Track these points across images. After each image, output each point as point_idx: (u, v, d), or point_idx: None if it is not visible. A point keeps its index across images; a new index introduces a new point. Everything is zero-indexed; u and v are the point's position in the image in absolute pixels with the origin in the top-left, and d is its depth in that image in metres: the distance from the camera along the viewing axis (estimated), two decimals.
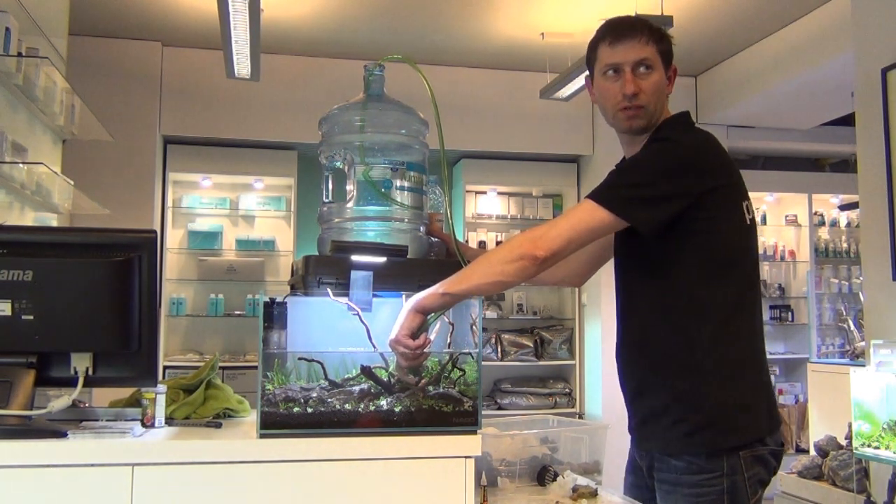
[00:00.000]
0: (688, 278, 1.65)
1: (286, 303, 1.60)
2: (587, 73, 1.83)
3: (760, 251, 6.36)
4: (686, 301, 1.66)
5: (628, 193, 1.62)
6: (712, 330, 1.64)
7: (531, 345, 5.74)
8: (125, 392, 1.76)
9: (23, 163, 3.04)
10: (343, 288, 1.64)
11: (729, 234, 1.66)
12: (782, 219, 6.52)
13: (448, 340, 1.72)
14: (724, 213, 1.66)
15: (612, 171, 1.71)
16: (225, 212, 5.61)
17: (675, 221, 1.62)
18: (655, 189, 1.61)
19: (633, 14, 3.76)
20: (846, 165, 6.58)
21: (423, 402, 1.57)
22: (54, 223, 3.57)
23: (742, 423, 1.63)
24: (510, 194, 6.00)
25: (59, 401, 1.51)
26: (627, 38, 1.69)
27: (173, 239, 5.49)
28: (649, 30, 1.71)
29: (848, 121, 5.19)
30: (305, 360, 1.61)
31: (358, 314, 1.62)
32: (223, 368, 5.06)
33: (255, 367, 1.61)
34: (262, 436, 1.51)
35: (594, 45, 1.76)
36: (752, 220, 1.72)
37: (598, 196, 1.63)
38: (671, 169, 1.63)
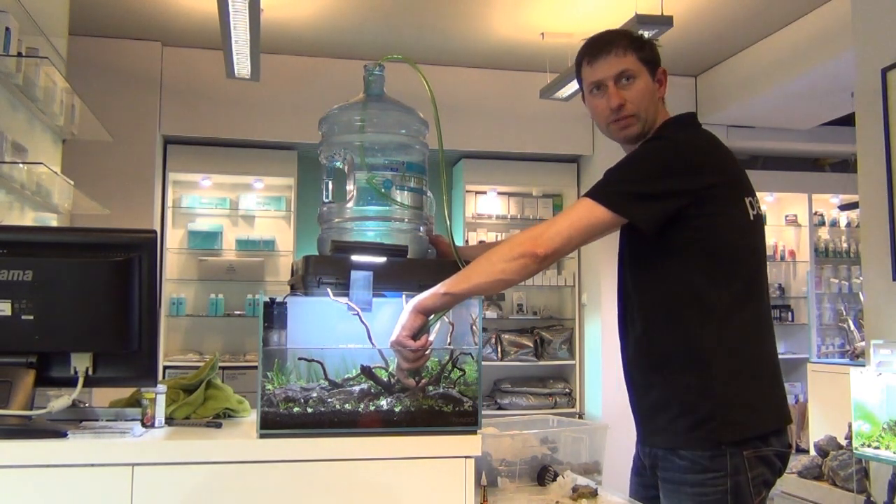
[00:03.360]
0: (690, 276, 1.65)
1: (286, 303, 1.59)
2: (578, 86, 1.88)
3: None
4: (689, 299, 1.65)
5: (625, 190, 1.63)
6: (715, 327, 1.63)
7: (531, 345, 5.74)
8: (125, 392, 1.76)
9: (23, 163, 3.04)
10: (343, 288, 1.63)
11: (730, 231, 1.67)
12: (782, 219, 6.52)
13: (448, 340, 1.71)
14: (725, 210, 1.66)
15: (609, 170, 1.71)
16: (225, 212, 5.61)
17: (676, 219, 1.63)
18: (652, 186, 1.62)
19: (633, 13, 3.81)
20: (846, 165, 6.57)
21: (423, 402, 1.57)
22: (54, 223, 3.57)
23: (745, 419, 1.63)
24: (510, 194, 6.00)
25: (59, 401, 1.51)
26: (603, 54, 1.74)
27: (173, 239, 5.49)
28: (628, 40, 1.76)
29: (848, 121, 5.19)
30: (305, 360, 1.61)
31: (358, 314, 1.62)
32: (223, 368, 5.06)
33: (255, 367, 1.61)
34: (262, 436, 1.51)
35: (578, 66, 1.82)
36: (757, 215, 1.72)
37: (595, 194, 1.64)
38: (667, 167, 1.64)
